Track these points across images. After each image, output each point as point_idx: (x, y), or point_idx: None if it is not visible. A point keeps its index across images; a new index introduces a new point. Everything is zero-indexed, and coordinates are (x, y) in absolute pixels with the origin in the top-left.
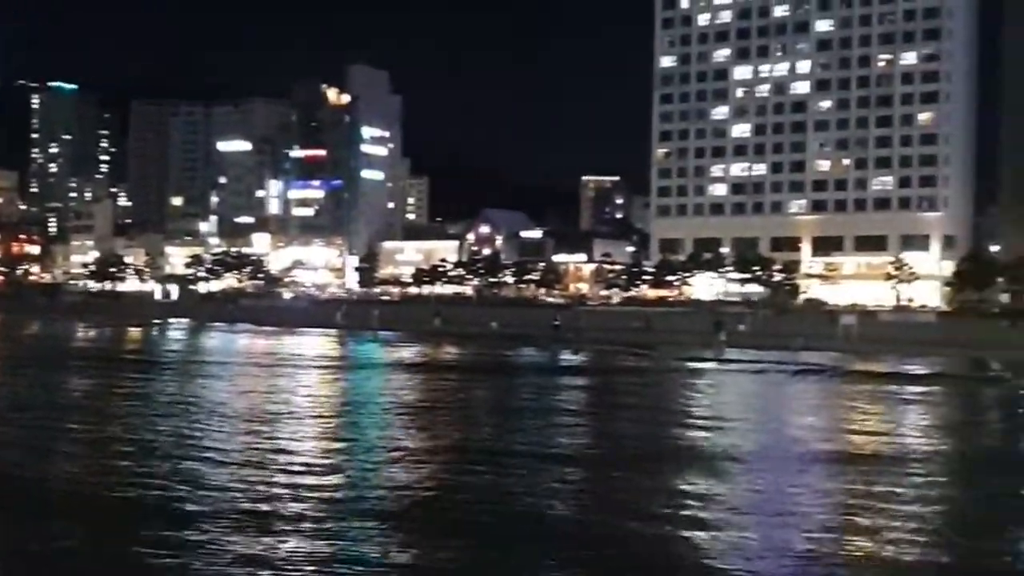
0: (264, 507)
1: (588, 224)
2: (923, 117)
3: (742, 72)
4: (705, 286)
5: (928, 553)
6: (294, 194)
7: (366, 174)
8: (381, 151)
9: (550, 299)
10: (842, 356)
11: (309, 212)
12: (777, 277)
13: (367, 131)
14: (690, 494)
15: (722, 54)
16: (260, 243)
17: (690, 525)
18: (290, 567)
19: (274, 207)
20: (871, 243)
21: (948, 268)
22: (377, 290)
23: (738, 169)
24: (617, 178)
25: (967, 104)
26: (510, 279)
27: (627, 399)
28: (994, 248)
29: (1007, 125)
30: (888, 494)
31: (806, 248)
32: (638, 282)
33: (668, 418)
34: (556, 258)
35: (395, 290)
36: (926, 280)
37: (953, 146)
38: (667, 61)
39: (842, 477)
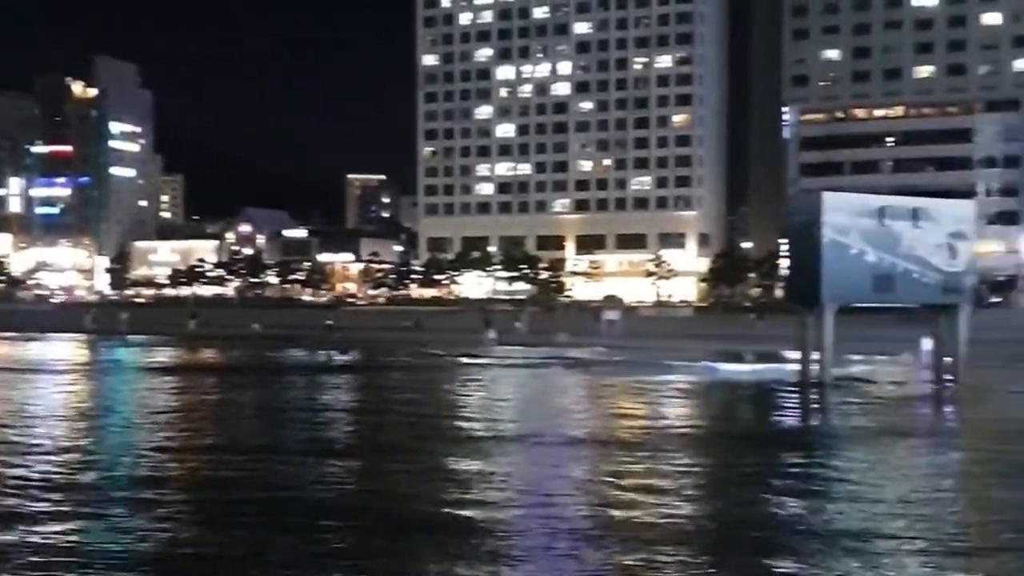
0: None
1: (355, 223)
2: (678, 119)
3: (504, 72)
4: (474, 285)
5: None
6: (37, 192)
7: (116, 171)
8: (132, 147)
9: (315, 299)
10: (606, 350)
11: (54, 211)
12: (544, 275)
13: (116, 126)
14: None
15: (484, 54)
16: (0, 244)
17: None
18: None
19: (15, 205)
20: (632, 241)
21: (703, 265)
22: (130, 292)
23: (503, 168)
24: (384, 177)
25: (719, 107)
26: (274, 279)
27: (399, 394)
28: (746, 245)
29: (755, 128)
30: (623, 472)
31: (570, 246)
32: (407, 281)
33: (437, 410)
34: (321, 257)
35: (149, 292)
36: (683, 276)
37: (706, 147)
38: (430, 60)
39: (594, 457)
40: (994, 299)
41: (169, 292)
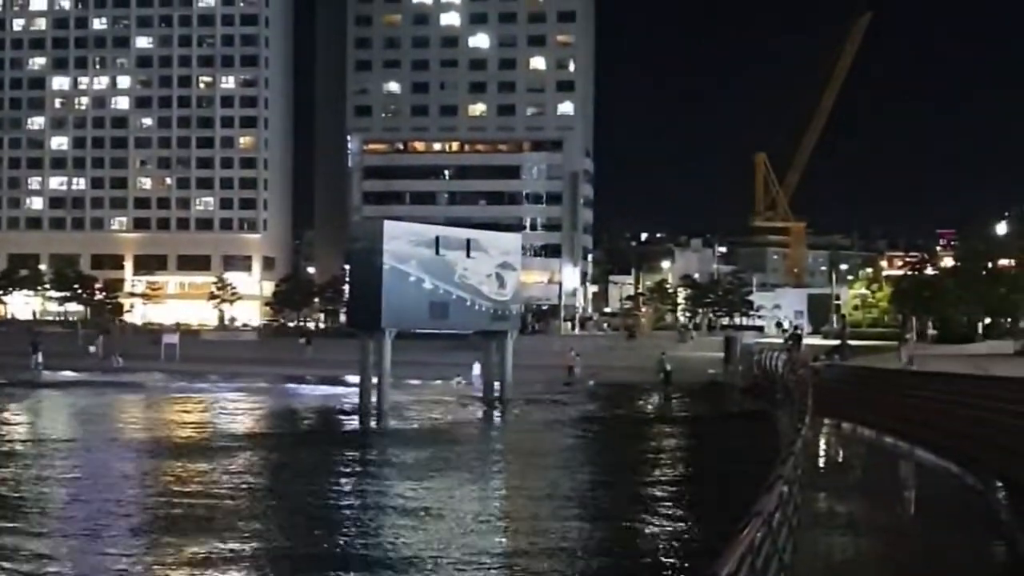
0: None
1: None
2: (243, 140)
3: (60, 82)
4: (22, 305)
5: None
6: None
7: None
8: None
9: None
10: (165, 374)
11: None
12: (99, 296)
13: None
14: None
15: (38, 62)
16: None
17: None
18: None
19: None
20: (195, 262)
21: (268, 288)
22: None
23: (57, 183)
24: None
25: (285, 131)
26: None
27: None
28: (311, 270)
29: (321, 154)
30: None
31: (129, 266)
32: None
33: None
34: None
35: None
36: (248, 300)
37: (272, 170)
38: None
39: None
40: (537, 326)
41: None
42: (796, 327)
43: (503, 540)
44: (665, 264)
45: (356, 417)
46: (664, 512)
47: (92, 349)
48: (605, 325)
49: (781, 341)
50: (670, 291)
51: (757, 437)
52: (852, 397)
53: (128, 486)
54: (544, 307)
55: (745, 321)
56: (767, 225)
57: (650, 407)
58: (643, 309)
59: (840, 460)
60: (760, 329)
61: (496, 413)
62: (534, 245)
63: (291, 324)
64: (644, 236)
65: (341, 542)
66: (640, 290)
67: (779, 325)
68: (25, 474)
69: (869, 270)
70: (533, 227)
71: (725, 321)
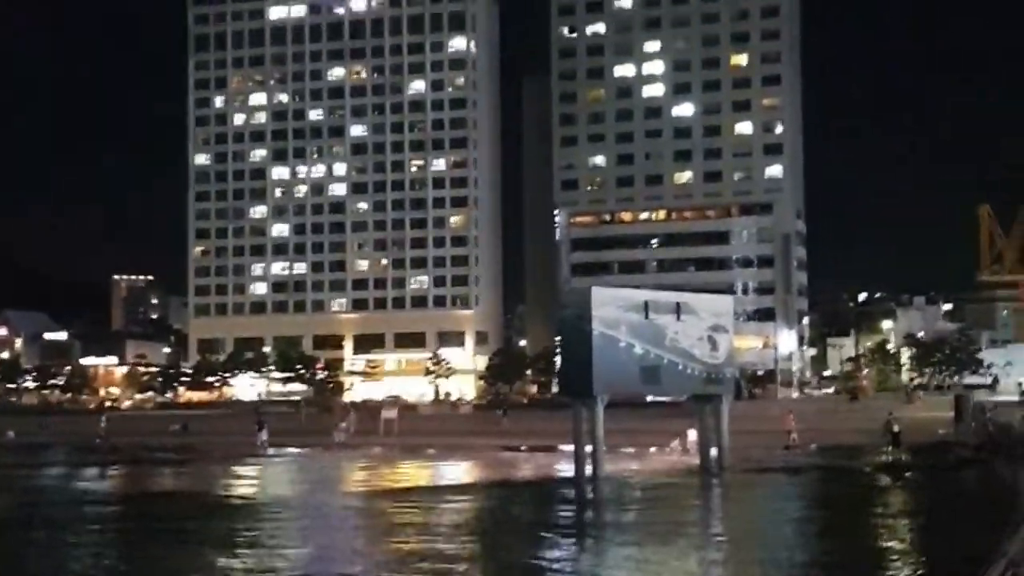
0: None
1: (121, 325)
2: (454, 220)
3: (279, 172)
4: (247, 386)
5: None
6: None
7: None
8: None
9: (77, 405)
10: (384, 449)
11: None
12: (320, 375)
13: None
14: None
15: (259, 154)
16: None
17: None
18: None
19: None
20: (410, 340)
21: (482, 363)
22: None
23: (279, 267)
24: (151, 277)
25: (494, 208)
26: (31, 384)
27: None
28: (522, 343)
29: (529, 229)
30: None
31: (348, 345)
32: (175, 384)
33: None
34: (84, 361)
35: None
36: (462, 374)
37: (482, 248)
38: (202, 159)
39: None
40: (753, 392)
41: None
42: None
43: None
44: (885, 324)
45: (571, 488)
46: None
47: (343, 425)
48: (827, 389)
49: (1016, 399)
50: (892, 351)
51: (994, 491)
52: None
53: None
54: (760, 372)
55: (974, 380)
56: (994, 279)
57: (878, 471)
58: (865, 371)
59: None
60: (991, 387)
61: (715, 480)
62: (747, 310)
63: (500, 396)
64: (862, 296)
65: None
66: (860, 351)
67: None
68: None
69: None
70: (745, 291)
71: (953, 380)
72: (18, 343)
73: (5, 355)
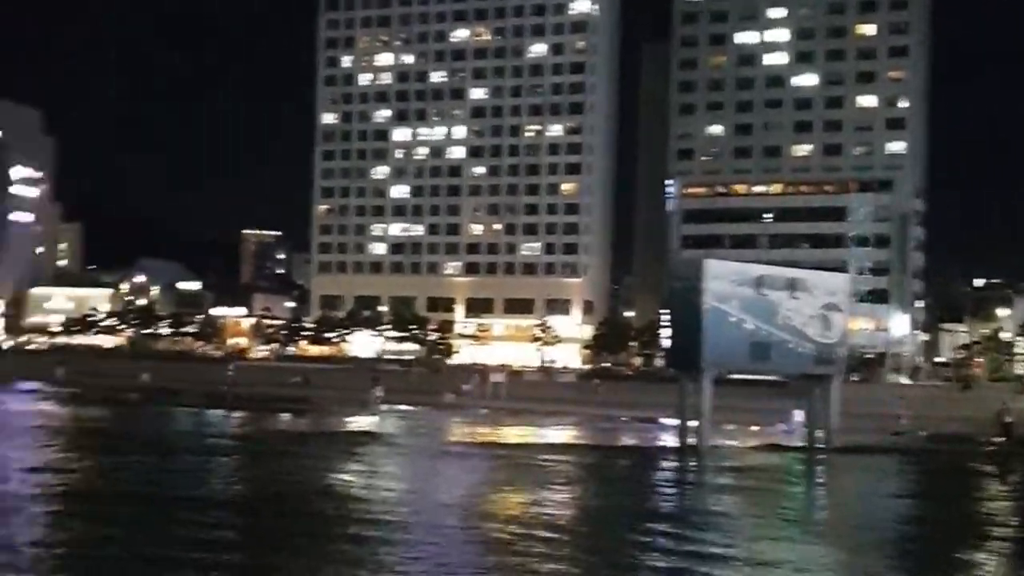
0: None
1: (249, 278)
2: (567, 187)
3: (401, 134)
4: (364, 344)
5: None
6: None
7: (14, 217)
8: (31, 193)
9: (206, 352)
10: (491, 412)
11: None
12: (432, 336)
13: (16, 172)
14: None
15: (382, 115)
16: None
17: None
18: None
19: None
20: (519, 306)
21: (587, 332)
22: (24, 338)
23: (397, 229)
24: (279, 233)
25: (607, 176)
26: (166, 331)
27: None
28: (628, 314)
29: (641, 199)
30: None
31: (460, 309)
32: (297, 338)
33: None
34: (214, 311)
35: (42, 339)
36: (568, 343)
37: (594, 216)
38: (329, 118)
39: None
40: (859, 375)
41: (62, 340)
42: None
43: None
44: (1001, 312)
45: (675, 458)
46: None
47: (466, 387)
48: (937, 378)
49: None
50: (1007, 340)
51: None
52: None
53: None
54: (869, 355)
55: None
56: None
57: (987, 461)
58: (978, 359)
59: None
60: None
61: (819, 460)
62: (860, 290)
63: (605, 366)
64: (980, 282)
65: None
66: (975, 338)
67: None
68: None
69: None
70: (859, 271)
71: None
72: (154, 291)
73: (142, 301)
